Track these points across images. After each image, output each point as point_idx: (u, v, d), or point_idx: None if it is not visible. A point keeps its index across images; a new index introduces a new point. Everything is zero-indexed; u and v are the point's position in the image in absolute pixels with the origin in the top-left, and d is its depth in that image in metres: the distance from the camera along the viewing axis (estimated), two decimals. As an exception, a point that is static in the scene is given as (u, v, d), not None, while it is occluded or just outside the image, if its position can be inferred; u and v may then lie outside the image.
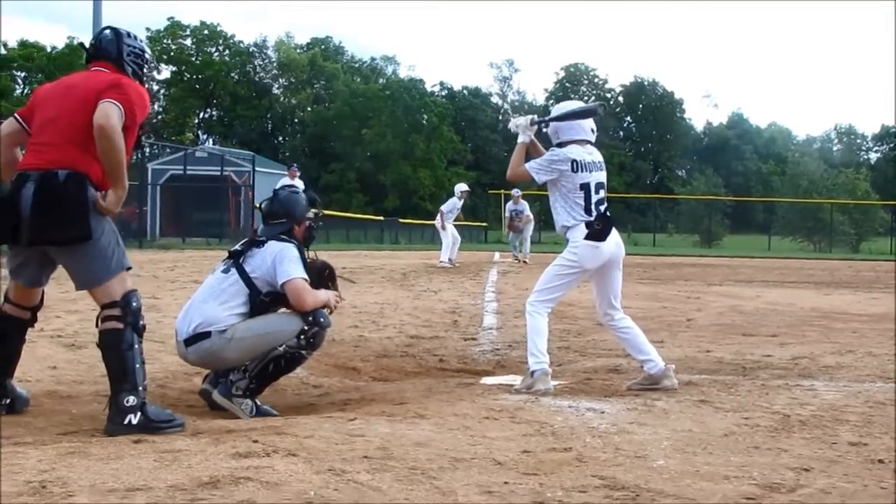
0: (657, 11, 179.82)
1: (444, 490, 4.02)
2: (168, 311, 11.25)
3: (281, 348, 5.99)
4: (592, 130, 7.18)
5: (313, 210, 6.65)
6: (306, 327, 6.02)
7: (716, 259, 38.38)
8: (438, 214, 26.89)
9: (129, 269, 5.52)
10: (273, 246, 6.19)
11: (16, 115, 5.71)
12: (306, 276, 6.14)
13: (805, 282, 21.95)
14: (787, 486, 4.23)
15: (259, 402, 6.08)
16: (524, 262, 26.87)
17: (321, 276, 6.54)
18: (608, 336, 9.73)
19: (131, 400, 5.20)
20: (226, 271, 6.22)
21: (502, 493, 4.01)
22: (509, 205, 28.62)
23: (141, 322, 5.41)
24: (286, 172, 25.02)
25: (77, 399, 6.08)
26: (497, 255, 34.57)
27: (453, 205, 26.38)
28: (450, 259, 25.13)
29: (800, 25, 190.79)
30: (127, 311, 5.34)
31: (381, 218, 66.28)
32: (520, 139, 7.10)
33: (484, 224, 70.85)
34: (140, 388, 5.27)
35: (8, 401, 5.63)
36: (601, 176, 7.06)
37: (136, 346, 5.35)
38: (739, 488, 4.17)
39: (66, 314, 10.65)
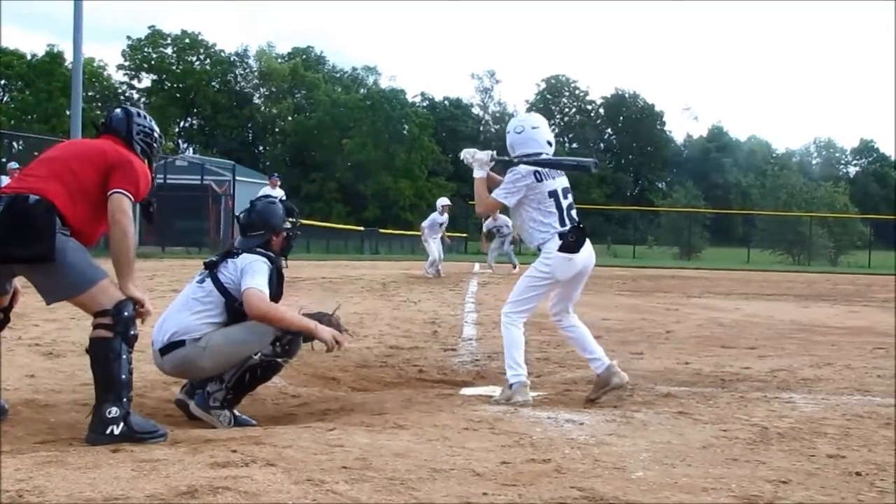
0: (638, 24, 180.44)
1: (423, 501, 4.02)
2: (147, 321, 11.20)
3: (257, 357, 5.95)
4: (549, 143, 7.14)
5: (291, 220, 6.60)
6: (280, 334, 5.99)
7: (696, 271, 38.48)
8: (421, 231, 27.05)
9: (103, 278, 5.45)
10: (245, 258, 6.16)
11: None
12: (265, 289, 6.02)
13: (784, 294, 22.02)
14: (766, 498, 4.24)
15: (237, 413, 6.06)
16: (514, 271, 26.77)
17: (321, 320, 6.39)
18: None
19: (114, 411, 5.19)
20: (201, 282, 6.20)
21: (481, 503, 4.01)
22: (488, 222, 28.29)
23: (132, 332, 5.40)
24: (267, 182, 24.99)
25: (55, 408, 6.05)
26: (477, 266, 34.57)
27: (433, 220, 26.44)
28: (437, 270, 25.28)
29: (780, 39, 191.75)
30: (117, 319, 5.33)
31: (362, 228, 66.22)
32: (477, 174, 7.12)
33: (464, 235, 70.89)
34: (124, 399, 5.25)
35: None
36: (565, 181, 7.07)
37: (125, 356, 5.33)
38: (718, 500, 4.18)
39: (44, 323, 10.60)
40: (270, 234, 6.42)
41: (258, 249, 6.27)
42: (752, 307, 17.10)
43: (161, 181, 39.52)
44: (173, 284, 17.11)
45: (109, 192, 5.41)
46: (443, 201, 27.50)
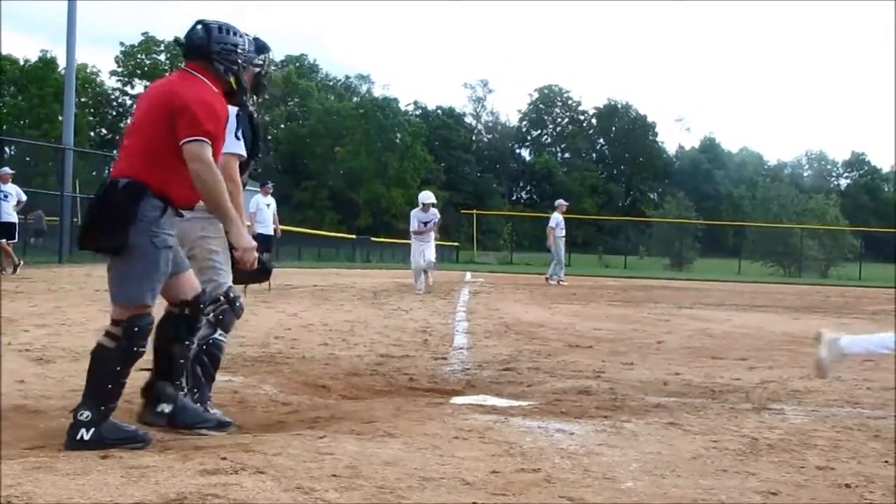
0: (632, 35, 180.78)
1: (412, 509, 4.01)
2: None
3: (195, 344, 5.82)
4: None
5: (263, 56, 6.16)
6: (220, 298, 5.85)
7: (687, 282, 38.51)
8: None
9: (147, 305, 5.36)
10: None
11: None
12: (242, 151, 5.84)
13: (774, 306, 22.05)
14: (755, 509, 4.24)
15: (212, 410, 5.93)
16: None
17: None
18: (578, 357, 9.77)
19: (87, 415, 5.17)
20: None
21: (471, 513, 4.01)
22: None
23: (136, 348, 5.33)
24: (259, 189, 24.95)
25: (44, 414, 6.03)
26: (468, 275, 34.60)
27: (413, 216, 23.34)
28: (422, 281, 22.62)
29: (773, 52, 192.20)
30: (125, 333, 5.29)
31: (354, 236, 66.32)
32: None
33: (455, 243, 70.89)
34: (101, 408, 5.21)
35: None
36: None
37: (119, 368, 5.29)
38: (707, 511, 4.18)
39: (34, 328, 10.59)
40: None
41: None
42: (742, 318, 17.12)
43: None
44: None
45: (181, 145, 5.27)
46: (424, 197, 23.86)
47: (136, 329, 5.30)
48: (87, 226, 5.40)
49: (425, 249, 22.62)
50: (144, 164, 5.32)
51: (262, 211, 24.78)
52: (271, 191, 26.16)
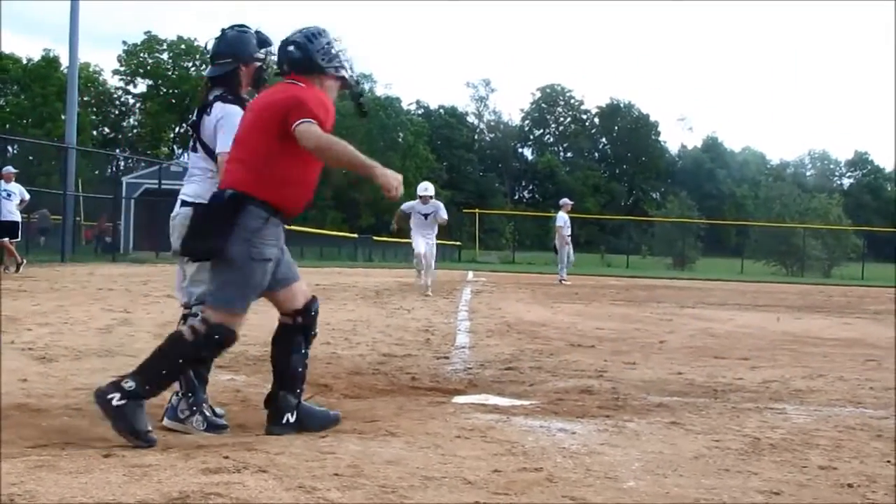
0: (634, 34, 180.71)
1: (414, 509, 4.01)
2: (140, 326, 11.22)
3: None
4: None
5: (264, 50, 6.11)
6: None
7: (689, 281, 38.52)
8: None
9: (236, 314, 5.50)
10: (216, 111, 5.88)
11: None
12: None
13: (777, 305, 22.04)
14: (757, 508, 4.24)
15: (208, 414, 5.91)
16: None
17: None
18: (581, 357, 9.77)
19: (130, 384, 5.23)
20: (194, 149, 6.01)
21: (473, 512, 4.01)
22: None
23: (207, 354, 5.56)
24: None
25: (47, 412, 6.04)
26: (471, 274, 34.61)
27: (410, 206, 21.31)
28: (423, 279, 21.20)
29: (776, 51, 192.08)
30: (206, 335, 5.40)
31: (356, 235, 66.30)
32: None
33: (458, 243, 70.93)
34: (147, 386, 5.30)
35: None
36: None
37: (182, 361, 5.46)
38: (709, 511, 4.18)
39: (37, 327, 10.60)
40: (239, 63, 6.00)
41: (228, 97, 5.93)
42: (745, 318, 17.12)
43: (155, 186, 39.64)
44: (167, 289, 17.10)
45: (292, 131, 5.34)
46: (422, 188, 21.62)
47: (216, 337, 5.42)
48: (189, 233, 5.53)
49: (426, 241, 21.12)
50: (250, 174, 5.41)
51: None
52: None
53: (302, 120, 5.31)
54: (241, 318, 5.54)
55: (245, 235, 5.33)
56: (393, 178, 5.49)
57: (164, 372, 5.37)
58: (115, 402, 5.19)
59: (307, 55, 5.66)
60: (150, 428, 5.32)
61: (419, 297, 19.41)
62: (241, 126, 5.65)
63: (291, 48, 5.69)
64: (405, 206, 21.17)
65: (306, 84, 5.60)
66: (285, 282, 5.67)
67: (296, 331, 5.75)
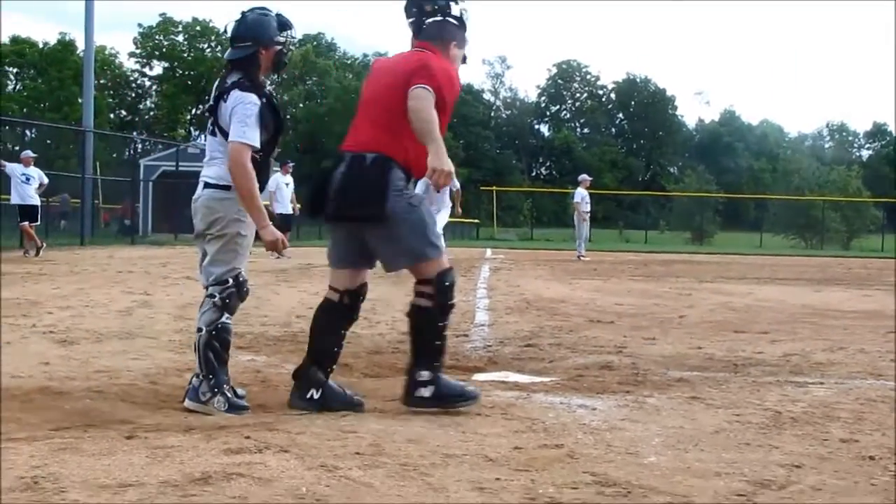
0: (650, 9, 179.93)
1: (435, 486, 4.03)
2: (160, 308, 11.27)
3: (204, 330, 5.85)
4: None
5: (285, 34, 6.06)
6: (229, 280, 5.85)
7: (707, 256, 38.43)
8: None
9: (436, 259, 5.66)
10: (232, 98, 5.81)
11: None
12: (253, 139, 5.73)
13: (796, 279, 21.99)
14: (778, 482, 4.24)
15: (229, 395, 5.93)
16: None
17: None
18: (600, 333, 9.77)
19: (424, 374, 5.61)
20: (213, 133, 6.01)
21: (494, 489, 4.01)
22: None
23: (450, 302, 5.71)
24: (278, 168, 25.03)
25: (69, 395, 6.06)
26: (489, 252, 34.58)
27: (424, 180, 19.25)
28: None
29: (792, 23, 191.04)
30: (438, 289, 5.62)
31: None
32: None
33: (476, 221, 70.87)
34: (436, 364, 5.66)
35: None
36: None
37: (441, 323, 5.68)
38: (730, 485, 4.18)
39: (58, 310, 10.65)
40: (259, 47, 5.93)
41: (245, 83, 5.85)
42: (764, 292, 17.08)
43: (173, 168, 39.69)
44: (186, 271, 17.17)
45: (409, 91, 5.51)
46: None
47: (446, 283, 5.66)
48: (340, 200, 5.65)
49: (437, 216, 17.10)
50: (388, 137, 5.63)
51: (282, 190, 24.89)
52: (291, 170, 26.21)
53: (420, 85, 5.48)
54: (443, 256, 5.72)
55: (397, 190, 5.56)
56: (442, 169, 5.48)
57: (437, 343, 5.68)
58: (427, 394, 5.57)
59: (446, 25, 5.95)
60: (461, 384, 5.87)
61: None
62: (371, 87, 5.88)
63: (427, 16, 5.96)
64: (419, 184, 19.00)
65: (434, 52, 5.81)
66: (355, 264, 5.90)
67: (337, 310, 5.95)
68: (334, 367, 5.97)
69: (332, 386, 5.87)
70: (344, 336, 6.00)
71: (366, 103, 5.85)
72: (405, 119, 5.53)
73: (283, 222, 24.69)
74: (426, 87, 5.47)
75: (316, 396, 5.75)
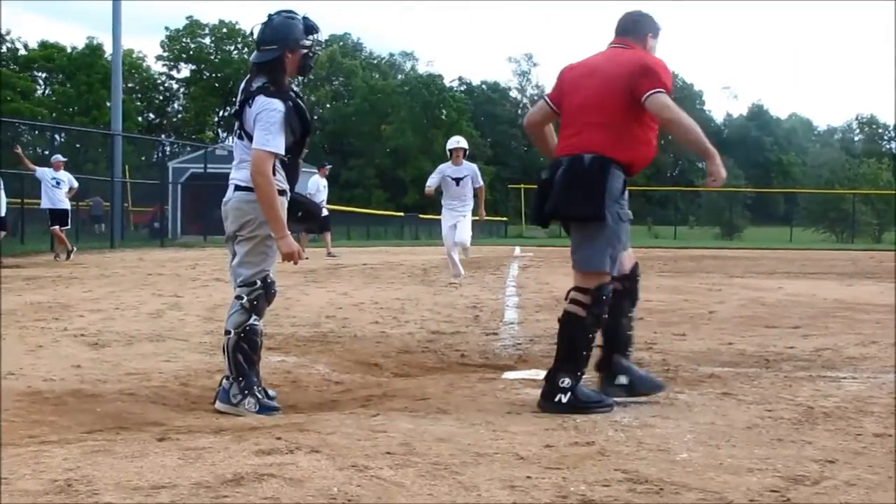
0: (676, 3, 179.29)
1: (466, 485, 4.02)
2: (190, 310, 11.30)
3: (232, 332, 5.86)
4: None
5: (311, 37, 6.05)
6: (257, 282, 5.86)
7: (737, 251, 38.28)
8: None
9: (608, 273, 5.76)
10: (257, 104, 5.83)
11: (546, 97, 6.23)
12: (277, 145, 5.75)
13: (827, 273, 21.87)
14: (812, 478, 4.21)
15: (260, 396, 5.93)
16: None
17: (297, 216, 6.17)
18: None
19: (566, 381, 5.65)
20: (240, 137, 6.02)
21: (525, 487, 4.01)
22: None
23: (604, 315, 5.76)
24: (312, 169, 25.10)
25: (101, 398, 6.09)
26: (518, 250, 34.54)
27: (439, 172, 16.50)
28: (454, 267, 16.67)
29: (820, 15, 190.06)
30: (594, 300, 5.71)
31: (402, 214, 66.38)
32: None
33: (504, 218, 70.83)
34: (578, 373, 5.71)
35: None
36: None
37: (591, 335, 5.77)
38: (763, 481, 4.16)
39: (88, 313, 10.70)
40: (285, 49, 5.91)
41: (270, 88, 5.87)
42: (794, 286, 17.00)
43: (201, 171, 39.82)
44: (216, 273, 17.24)
45: (643, 100, 5.63)
46: (453, 142, 16.87)
47: (603, 297, 5.74)
48: (560, 199, 5.77)
49: (458, 222, 16.36)
50: (606, 137, 5.72)
51: (321, 192, 25.02)
52: (328, 172, 26.36)
53: (654, 90, 5.62)
54: (609, 277, 5.80)
55: (614, 197, 5.66)
56: (724, 172, 5.75)
57: (584, 353, 5.76)
58: (565, 401, 5.61)
59: (641, 18, 6.14)
60: (600, 394, 5.82)
61: (466, 274, 18.98)
62: (581, 94, 5.91)
63: (635, 14, 6.17)
64: (431, 177, 16.59)
65: (633, 48, 5.99)
66: None
67: (623, 296, 5.99)
68: (631, 349, 6.12)
69: (635, 369, 6.05)
70: (632, 318, 6.12)
71: (577, 109, 5.90)
72: (623, 119, 5.71)
73: (322, 223, 24.88)
74: (661, 90, 5.64)
75: (624, 381, 5.91)
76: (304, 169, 6.30)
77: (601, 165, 5.65)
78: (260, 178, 5.66)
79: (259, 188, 5.69)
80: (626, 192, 5.81)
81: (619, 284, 5.92)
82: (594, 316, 5.70)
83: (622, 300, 5.97)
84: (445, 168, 16.34)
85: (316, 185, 24.93)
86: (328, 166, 27.17)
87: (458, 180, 16.20)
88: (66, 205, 22.97)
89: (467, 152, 16.68)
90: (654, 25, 6.18)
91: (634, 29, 6.07)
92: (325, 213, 25.22)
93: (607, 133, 5.71)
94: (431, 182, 16.40)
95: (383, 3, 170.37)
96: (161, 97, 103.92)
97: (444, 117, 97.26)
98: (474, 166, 16.74)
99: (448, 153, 16.50)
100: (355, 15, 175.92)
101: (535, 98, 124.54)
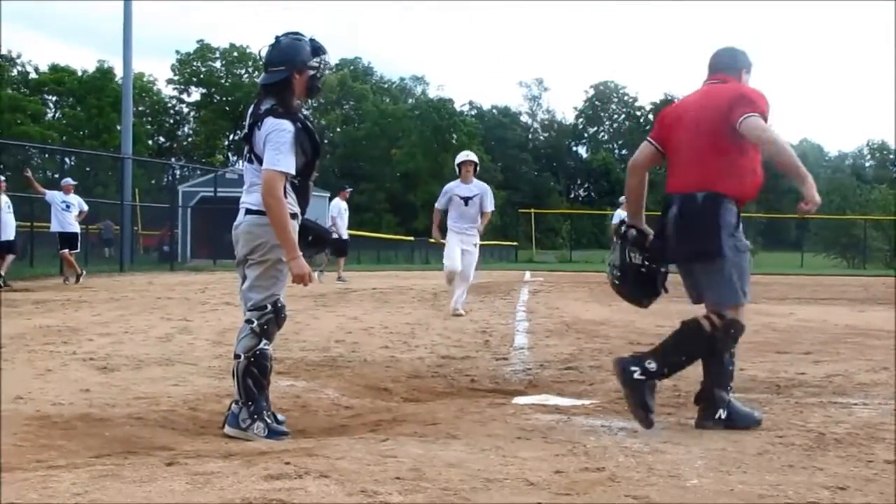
0: (687, 29, 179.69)
1: (476, 511, 4.00)
2: (199, 334, 11.29)
3: (242, 356, 5.86)
4: None
5: (318, 58, 6.05)
6: (268, 306, 5.86)
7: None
8: None
9: (742, 305, 6.01)
10: (267, 125, 5.83)
11: (649, 139, 6.36)
12: (287, 165, 5.76)
13: (838, 298, 21.82)
14: (823, 505, 4.19)
15: (269, 421, 5.92)
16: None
17: (307, 241, 6.13)
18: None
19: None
20: (250, 161, 6.02)
21: (535, 513, 3.99)
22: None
23: (723, 348, 5.97)
24: (327, 194, 25.22)
25: (110, 422, 6.08)
26: (528, 275, 34.51)
27: (447, 191, 15.33)
28: (456, 298, 15.08)
29: (831, 41, 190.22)
30: (723, 330, 5.92)
31: (412, 238, 66.41)
32: None
33: (514, 243, 70.82)
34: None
35: None
36: None
37: (697, 354, 6.05)
38: (775, 508, 4.13)
39: (97, 337, 10.69)
40: (292, 70, 5.92)
41: (278, 110, 5.87)
42: (806, 312, 16.96)
43: (211, 194, 39.89)
44: (225, 297, 17.24)
45: (738, 124, 5.74)
46: (462, 156, 15.92)
47: (733, 332, 5.95)
48: (677, 240, 6.02)
49: (465, 252, 15.00)
50: (714, 174, 5.85)
51: (342, 215, 25.18)
52: (348, 195, 26.50)
53: (748, 114, 5.71)
54: (745, 308, 5.99)
55: (730, 231, 5.82)
56: (818, 198, 5.92)
57: (683, 359, 5.98)
58: (636, 376, 5.80)
59: (736, 54, 6.32)
60: (653, 409, 5.81)
61: (477, 298, 19.08)
62: (684, 132, 6.05)
63: (726, 50, 6.34)
64: (440, 199, 15.41)
65: (732, 81, 6.12)
66: None
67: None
68: (731, 384, 6.09)
69: (735, 404, 6.03)
70: (734, 354, 6.14)
71: (683, 146, 6.02)
72: (728, 152, 5.82)
73: (342, 247, 24.97)
74: (754, 114, 5.71)
75: (723, 416, 5.92)
76: (315, 193, 6.30)
77: (713, 201, 5.81)
78: (271, 200, 5.67)
79: (271, 210, 5.69)
80: (741, 224, 5.97)
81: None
82: (714, 341, 5.90)
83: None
84: (454, 187, 15.19)
85: (338, 209, 25.09)
86: (349, 189, 27.30)
87: (467, 199, 15.00)
88: (76, 228, 23.03)
89: (478, 167, 15.55)
90: (747, 61, 6.32)
91: (730, 65, 6.22)
92: (345, 237, 25.31)
93: (715, 167, 5.84)
94: (440, 204, 15.27)
95: (394, 28, 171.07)
96: (171, 121, 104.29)
97: (454, 141, 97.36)
98: (486, 186, 15.40)
99: (456, 169, 15.44)
100: (366, 39, 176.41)
101: (546, 122, 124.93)
